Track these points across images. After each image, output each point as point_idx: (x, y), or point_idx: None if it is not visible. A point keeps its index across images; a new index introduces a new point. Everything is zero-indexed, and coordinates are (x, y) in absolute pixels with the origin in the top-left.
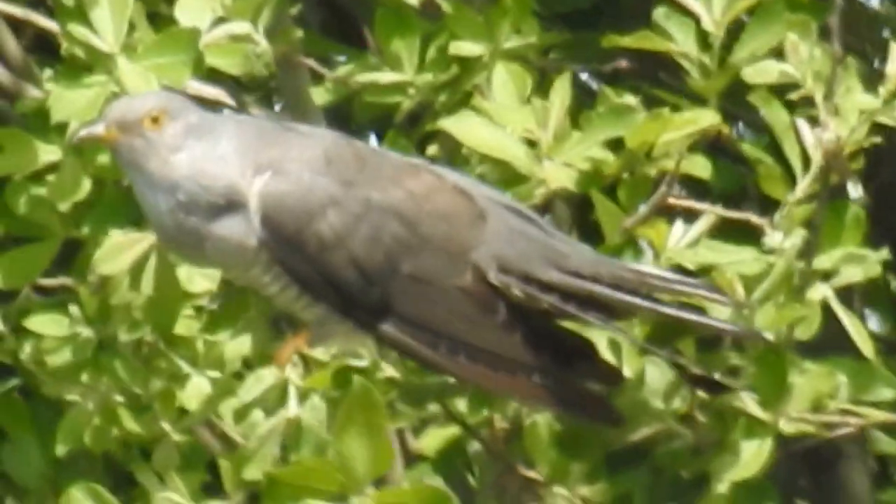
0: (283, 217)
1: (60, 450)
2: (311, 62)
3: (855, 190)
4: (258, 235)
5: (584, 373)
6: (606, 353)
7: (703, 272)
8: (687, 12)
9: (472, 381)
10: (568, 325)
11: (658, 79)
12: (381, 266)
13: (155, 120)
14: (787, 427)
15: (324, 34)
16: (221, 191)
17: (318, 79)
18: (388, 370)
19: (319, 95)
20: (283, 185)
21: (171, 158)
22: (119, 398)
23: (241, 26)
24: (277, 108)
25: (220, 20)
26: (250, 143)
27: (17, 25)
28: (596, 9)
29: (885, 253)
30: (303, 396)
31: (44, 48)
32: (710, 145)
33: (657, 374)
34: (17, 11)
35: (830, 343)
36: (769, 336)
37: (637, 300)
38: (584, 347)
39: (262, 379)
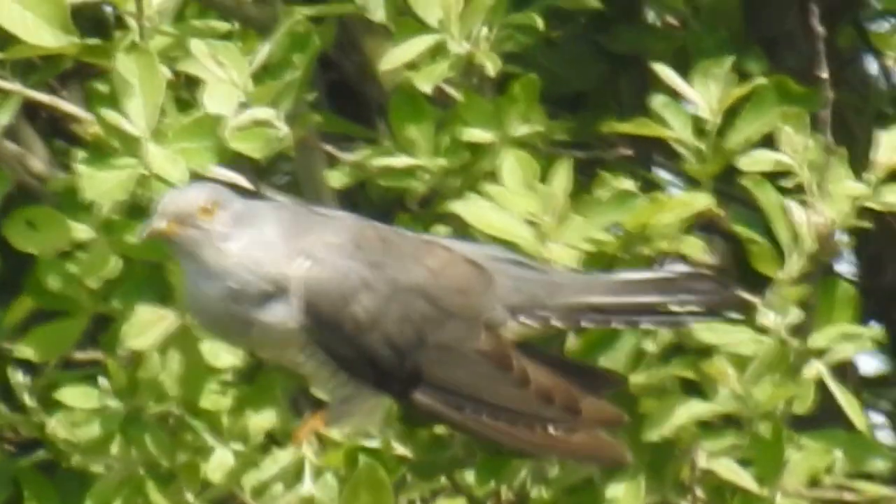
0: (323, 303)
1: None
2: (328, 147)
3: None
4: (299, 321)
5: (598, 386)
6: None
7: (701, 352)
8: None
9: (496, 440)
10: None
11: (652, 160)
12: (411, 340)
13: (207, 211)
14: (783, 502)
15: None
16: (270, 277)
17: (333, 162)
18: (399, 448)
19: (336, 179)
20: (320, 272)
21: (222, 247)
22: (142, 470)
23: (264, 112)
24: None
25: (242, 105)
26: (289, 229)
27: (32, 111)
28: (592, 93)
29: (876, 330)
30: (317, 474)
31: (57, 131)
32: (703, 226)
33: None
34: (44, 98)
35: (825, 416)
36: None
37: (634, 300)
38: (594, 371)
39: (280, 460)
